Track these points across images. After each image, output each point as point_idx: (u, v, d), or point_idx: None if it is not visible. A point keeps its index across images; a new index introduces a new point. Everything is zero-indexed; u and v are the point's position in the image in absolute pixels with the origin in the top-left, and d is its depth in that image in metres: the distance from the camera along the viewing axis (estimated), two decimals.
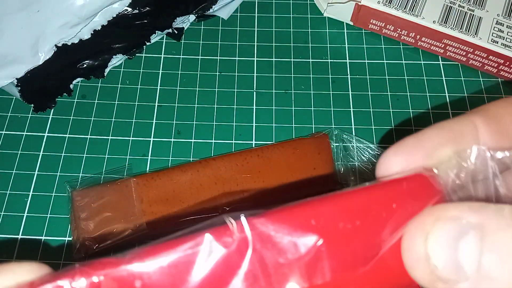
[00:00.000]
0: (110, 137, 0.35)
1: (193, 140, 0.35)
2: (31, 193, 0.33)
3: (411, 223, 0.13)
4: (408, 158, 0.14)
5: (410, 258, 0.12)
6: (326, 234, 0.12)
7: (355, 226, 0.13)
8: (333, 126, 0.36)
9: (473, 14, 0.38)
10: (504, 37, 0.37)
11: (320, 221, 0.12)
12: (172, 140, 0.35)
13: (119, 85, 0.38)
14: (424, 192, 0.13)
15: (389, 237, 0.13)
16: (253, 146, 0.35)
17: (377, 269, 0.13)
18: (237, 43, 0.40)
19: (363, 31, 0.40)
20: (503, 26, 0.38)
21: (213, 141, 0.35)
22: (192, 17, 0.39)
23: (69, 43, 0.35)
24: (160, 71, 0.38)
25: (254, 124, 0.36)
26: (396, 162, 0.14)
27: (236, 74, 0.38)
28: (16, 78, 0.34)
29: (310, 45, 0.40)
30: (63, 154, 0.34)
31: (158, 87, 0.38)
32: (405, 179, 0.13)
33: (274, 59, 0.39)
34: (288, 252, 0.12)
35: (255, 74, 0.38)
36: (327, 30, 0.41)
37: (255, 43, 0.40)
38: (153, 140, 0.35)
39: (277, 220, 0.12)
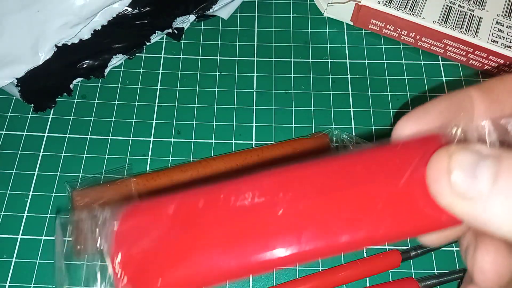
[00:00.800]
0: (110, 137, 0.35)
1: (193, 140, 0.35)
2: (31, 193, 0.33)
3: (438, 150, 0.14)
4: (418, 123, 0.16)
5: (434, 174, 0.14)
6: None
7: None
8: (333, 126, 0.36)
9: (473, 14, 0.38)
10: (504, 37, 0.37)
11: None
12: (172, 140, 0.35)
13: (119, 85, 0.38)
14: (436, 144, 0.15)
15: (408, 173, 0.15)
16: (253, 146, 0.35)
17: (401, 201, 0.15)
18: (237, 43, 0.40)
19: (363, 31, 0.40)
20: (503, 26, 0.38)
21: (213, 141, 0.35)
22: (192, 17, 0.39)
23: (69, 43, 0.35)
24: (160, 71, 0.38)
25: (254, 124, 0.36)
26: (408, 127, 0.16)
27: (236, 74, 0.38)
28: (16, 78, 0.34)
29: (310, 45, 0.40)
30: (63, 154, 0.34)
31: (158, 87, 0.38)
32: (421, 138, 0.16)
33: (274, 59, 0.39)
34: None
35: (255, 74, 0.38)
36: (327, 30, 0.41)
37: (255, 43, 0.40)
38: (153, 140, 0.35)
39: None
